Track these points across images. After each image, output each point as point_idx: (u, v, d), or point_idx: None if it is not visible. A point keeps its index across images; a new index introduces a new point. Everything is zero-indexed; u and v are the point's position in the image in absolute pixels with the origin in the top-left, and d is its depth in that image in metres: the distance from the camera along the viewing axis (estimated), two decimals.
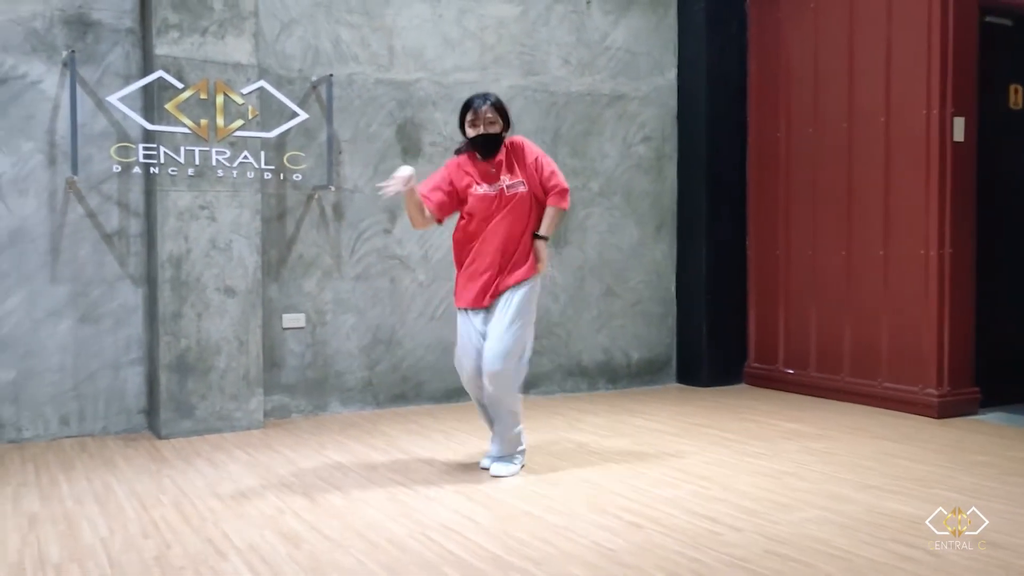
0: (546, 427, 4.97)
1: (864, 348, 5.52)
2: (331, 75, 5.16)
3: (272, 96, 4.97)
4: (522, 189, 3.83)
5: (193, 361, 4.73)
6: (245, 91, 4.83)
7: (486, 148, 3.83)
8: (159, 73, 4.62)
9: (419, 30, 5.55)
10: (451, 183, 3.87)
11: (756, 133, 6.27)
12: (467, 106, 3.84)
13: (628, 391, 6.20)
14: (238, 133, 4.82)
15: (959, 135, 5.13)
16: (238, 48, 4.82)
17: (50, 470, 4.02)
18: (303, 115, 5.05)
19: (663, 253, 6.42)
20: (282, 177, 5.09)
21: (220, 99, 4.77)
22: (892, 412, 5.26)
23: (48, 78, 4.62)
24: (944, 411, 5.10)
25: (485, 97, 3.83)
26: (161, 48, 4.64)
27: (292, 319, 5.22)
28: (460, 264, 3.92)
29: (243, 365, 4.85)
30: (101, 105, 4.72)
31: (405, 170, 3.67)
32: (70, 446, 4.50)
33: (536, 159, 3.86)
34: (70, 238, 4.69)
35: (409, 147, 5.54)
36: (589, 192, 6.12)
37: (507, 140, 3.89)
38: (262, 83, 4.89)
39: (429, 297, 5.61)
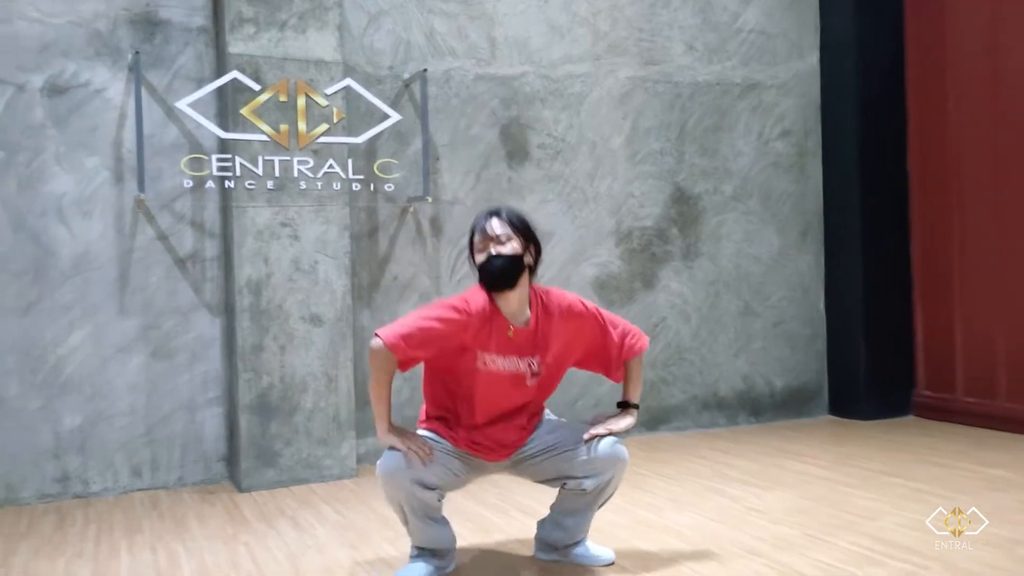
0: (687, 474, 4.16)
1: None
2: (425, 70, 4.51)
3: (359, 96, 4.35)
4: (543, 374, 2.81)
5: (276, 401, 4.12)
6: (329, 91, 4.22)
7: (498, 278, 2.69)
8: (233, 74, 4.06)
9: (523, 17, 4.86)
10: (444, 343, 2.68)
11: (918, 119, 5.34)
12: (474, 226, 2.80)
13: (773, 426, 5.32)
14: (322, 139, 4.22)
15: None
16: (321, 43, 4.23)
17: (112, 535, 3.44)
18: (395, 116, 4.41)
19: (808, 264, 5.53)
20: (372, 188, 4.46)
21: (302, 101, 4.17)
22: None
23: (113, 85, 4.12)
24: None
25: (494, 212, 2.78)
26: (235, 46, 4.08)
27: None
28: (443, 415, 2.82)
29: (332, 405, 4.21)
30: (171, 113, 4.19)
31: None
32: (140, 501, 3.94)
33: (596, 317, 2.85)
34: (139, 264, 4.16)
35: (515, 151, 4.84)
36: (721, 196, 5.30)
37: (540, 290, 2.82)
38: (348, 81, 4.28)
39: None
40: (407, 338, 2.59)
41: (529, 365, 2.77)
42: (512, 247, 2.71)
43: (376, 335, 2.60)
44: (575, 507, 2.87)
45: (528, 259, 2.76)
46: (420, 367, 2.84)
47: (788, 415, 5.46)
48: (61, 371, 4.01)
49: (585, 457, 2.78)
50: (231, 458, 4.25)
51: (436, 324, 2.63)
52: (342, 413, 4.24)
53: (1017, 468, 4.04)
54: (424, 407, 2.89)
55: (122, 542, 3.34)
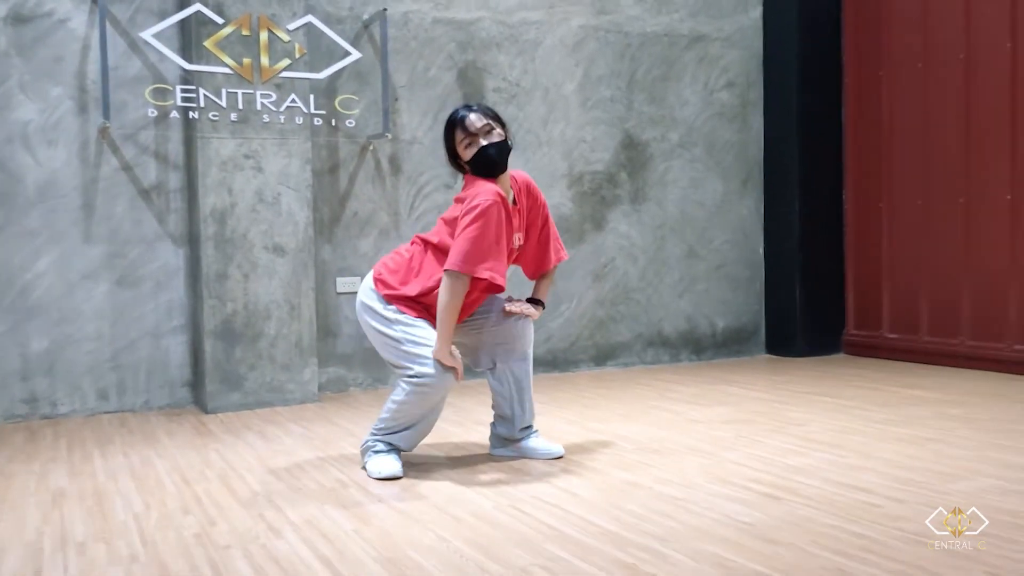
0: (632, 396, 4.41)
1: (987, 308, 4.86)
2: (385, 10, 4.65)
3: (321, 34, 4.48)
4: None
5: (240, 327, 4.27)
6: (291, 27, 4.35)
7: (498, 163, 2.92)
8: (196, 6, 4.16)
9: None
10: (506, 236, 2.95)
11: (854, 73, 5.63)
12: (451, 125, 3.00)
13: (715, 362, 5.62)
14: (284, 74, 4.34)
15: None
16: None
17: (84, 445, 3.58)
18: (356, 54, 4.55)
19: (749, 210, 5.82)
20: (333, 123, 4.60)
21: (264, 36, 4.29)
22: None
23: (77, 16, 4.19)
24: None
25: (468, 107, 3.01)
26: None
27: (347, 283, 4.74)
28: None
29: (295, 332, 4.37)
30: (135, 46, 4.28)
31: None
32: (108, 422, 4.07)
33: (545, 208, 3.14)
34: (104, 193, 4.25)
35: (471, 94, 5.02)
36: (668, 143, 5.54)
37: (513, 173, 3.05)
38: (310, 18, 4.40)
39: None
40: (483, 260, 2.80)
41: (519, 239, 3.05)
42: (497, 134, 2.94)
43: (451, 269, 2.78)
44: (507, 394, 3.11)
45: (510, 141, 3.00)
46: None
47: (728, 354, 5.76)
48: (29, 295, 4.11)
49: (500, 333, 3.05)
50: (196, 383, 4.39)
51: (495, 225, 2.82)
52: (304, 340, 4.40)
53: (933, 389, 4.37)
54: (399, 278, 2.98)
55: (95, 450, 3.48)
